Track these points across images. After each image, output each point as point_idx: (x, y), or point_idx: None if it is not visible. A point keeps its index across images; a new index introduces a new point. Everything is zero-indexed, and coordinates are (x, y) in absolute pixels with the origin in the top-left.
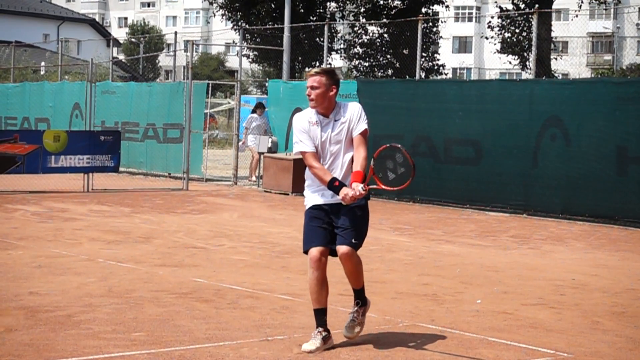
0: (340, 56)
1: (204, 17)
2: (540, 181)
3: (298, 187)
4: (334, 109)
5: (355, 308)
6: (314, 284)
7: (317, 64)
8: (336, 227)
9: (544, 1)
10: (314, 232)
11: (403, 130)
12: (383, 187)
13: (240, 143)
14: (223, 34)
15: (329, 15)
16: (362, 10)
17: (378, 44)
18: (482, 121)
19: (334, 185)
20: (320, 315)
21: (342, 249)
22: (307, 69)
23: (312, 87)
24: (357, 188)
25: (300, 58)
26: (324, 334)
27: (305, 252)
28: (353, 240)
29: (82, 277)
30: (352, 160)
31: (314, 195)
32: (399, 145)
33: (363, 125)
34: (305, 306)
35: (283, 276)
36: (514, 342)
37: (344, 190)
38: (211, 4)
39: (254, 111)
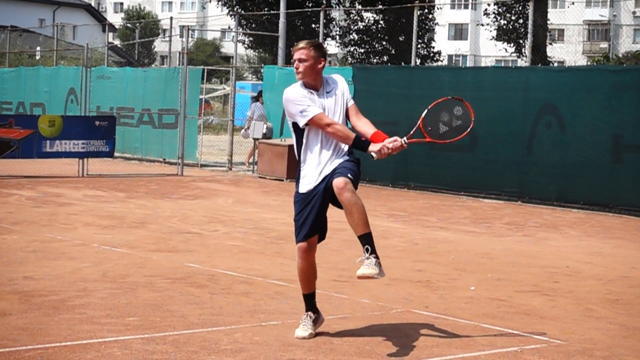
0: (336, 42)
1: (199, 3)
2: (535, 168)
3: (293, 173)
4: (322, 83)
5: (366, 255)
6: (302, 273)
7: None
8: (331, 174)
9: None
10: (303, 219)
11: (398, 117)
12: (430, 140)
13: (242, 131)
14: (219, 19)
15: (324, 2)
16: None
17: (374, 30)
18: (478, 108)
19: (361, 141)
20: (310, 299)
21: (337, 180)
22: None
23: (300, 60)
24: (400, 140)
25: (295, 44)
26: (313, 316)
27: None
28: (349, 175)
29: (76, 262)
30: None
31: (306, 179)
32: (462, 99)
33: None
34: (299, 292)
35: (277, 262)
36: (507, 328)
37: (377, 145)
38: None
39: (256, 99)
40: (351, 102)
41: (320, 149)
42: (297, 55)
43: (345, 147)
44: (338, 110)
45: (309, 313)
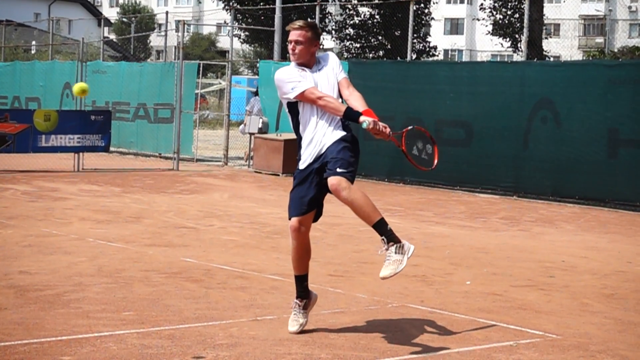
0: (332, 37)
1: None
2: (531, 163)
3: (288, 168)
4: (315, 63)
5: (385, 246)
6: (293, 253)
7: None
8: (325, 167)
9: None
10: (296, 198)
11: (394, 112)
12: (404, 150)
13: (241, 126)
14: (214, 14)
15: None
16: None
17: (370, 25)
18: (473, 103)
19: (353, 112)
20: (301, 282)
21: (331, 181)
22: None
23: (297, 42)
24: (389, 129)
25: (291, 23)
26: (302, 303)
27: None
28: (338, 169)
29: (72, 257)
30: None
31: (303, 156)
32: (436, 145)
33: (344, 72)
34: (295, 286)
35: (273, 256)
36: (503, 323)
37: (369, 118)
38: None
39: (256, 93)
40: (342, 76)
41: (315, 124)
42: (293, 37)
43: (341, 122)
44: (330, 84)
45: (297, 301)
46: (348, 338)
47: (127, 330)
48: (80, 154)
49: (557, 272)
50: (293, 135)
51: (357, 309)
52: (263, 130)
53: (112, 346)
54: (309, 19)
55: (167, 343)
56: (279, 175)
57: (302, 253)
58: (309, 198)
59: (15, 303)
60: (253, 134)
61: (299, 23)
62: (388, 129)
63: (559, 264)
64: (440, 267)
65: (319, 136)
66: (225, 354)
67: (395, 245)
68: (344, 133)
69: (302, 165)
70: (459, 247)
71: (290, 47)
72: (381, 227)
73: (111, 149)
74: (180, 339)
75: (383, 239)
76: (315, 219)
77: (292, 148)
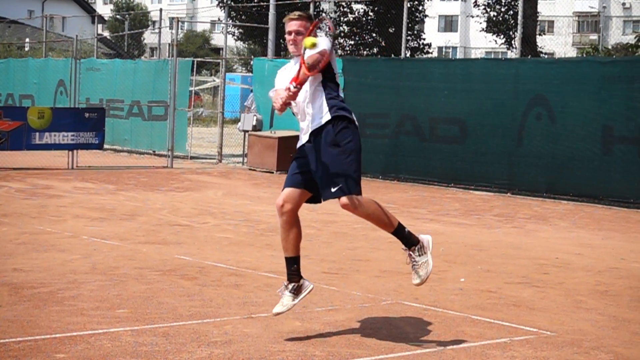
0: (326, 34)
1: None
2: (525, 160)
3: (283, 165)
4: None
5: (407, 254)
6: (280, 231)
7: None
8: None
9: None
10: (289, 171)
11: (388, 109)
12: (302, 61)
13: (239, 123)
14: (208, 11)
15: None
16: None
17: (364, 22)
18: (468, 100)
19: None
20: (290, 264)
21: (340, 203)
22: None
23: (298, 32)
24: (285, 91)
25: (289, 14)
26: (290, 286)
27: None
28: (333, 190)
29: (66, 254)
30: (327, 92)
31: (300, 136)
32: (326, 19)
33: (320, 47)
34: None
35: (267, 254)
36: (497, 320)
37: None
38: None
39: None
40: (318, 49)
41: (301, 114)
42: (294, 27)
43: (325, 105)
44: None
45: (285, 283)
46: (342, 335)
47: (121, 327)
48: (74, 151)
49: (551, 269)
50: (287, 133)
51: (351, 307)
52: (257, 127)
53: (107, 344)
54: None
55: (162, 340)
56: (273, 172)
57: (288, 232)
58: (293, 176)
59: (9, 301)
60: (247, 131)
61: (298, 13)
62: (283, 95)
63: (553, 261)
64: (434, 264)
65: (304, 125)
66: (220, 352)
67: (416, 249)
68: (325, 122)
69: (299, 143)
70: (453, 244)
71: (290, 38)
72: (400, 233)
73: (105, 146)
74: (175, 336)
75: (404, 249)
76: (315, 201)
77: (287, 145)
